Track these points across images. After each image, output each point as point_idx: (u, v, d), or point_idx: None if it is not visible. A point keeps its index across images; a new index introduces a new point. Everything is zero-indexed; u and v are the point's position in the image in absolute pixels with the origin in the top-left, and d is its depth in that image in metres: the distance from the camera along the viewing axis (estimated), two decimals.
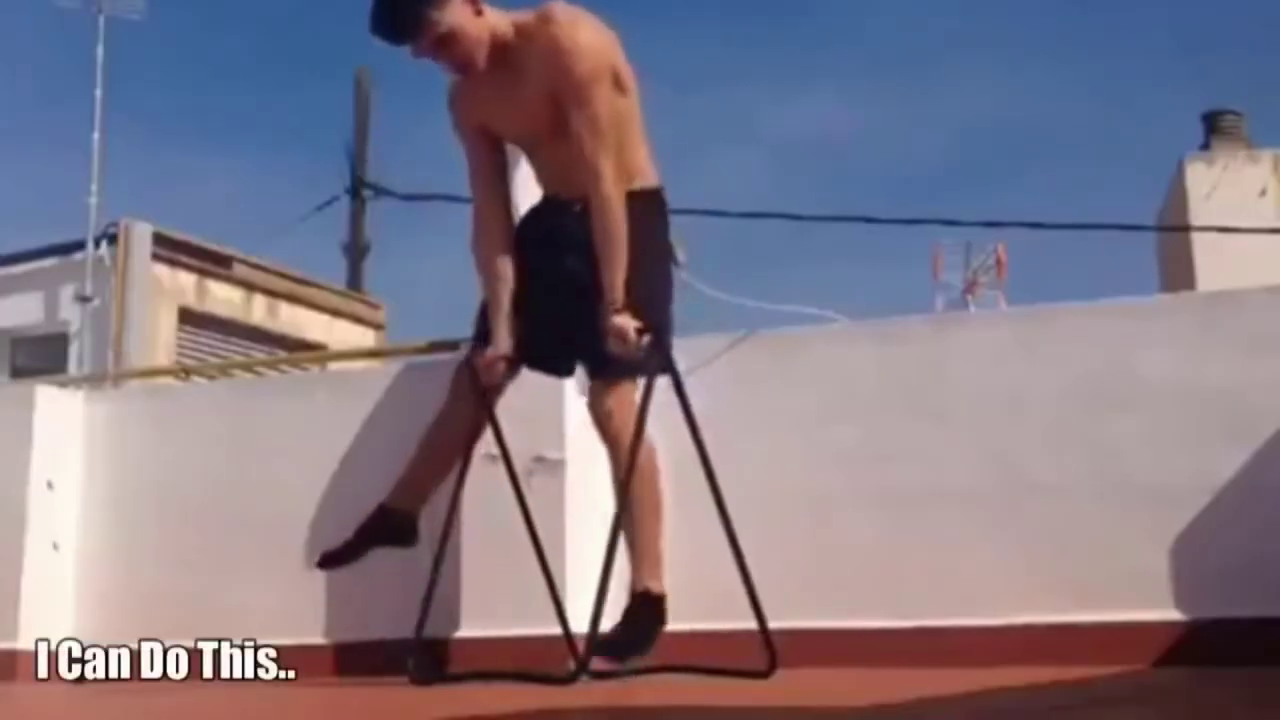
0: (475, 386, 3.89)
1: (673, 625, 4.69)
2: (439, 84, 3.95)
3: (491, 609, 4.78)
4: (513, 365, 3.83)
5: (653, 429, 3.70)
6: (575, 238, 3.70)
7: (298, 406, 5.66)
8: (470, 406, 3.88)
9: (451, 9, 3.60)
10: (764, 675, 3.60)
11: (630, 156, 3.76)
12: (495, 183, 3.89)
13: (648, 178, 3.84)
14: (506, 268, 3.80)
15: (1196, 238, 16.06)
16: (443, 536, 3.98)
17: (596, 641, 3.64)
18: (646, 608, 3.78)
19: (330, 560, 4.00)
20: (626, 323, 3.60)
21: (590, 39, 3.65)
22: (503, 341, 3.78)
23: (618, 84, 3.71)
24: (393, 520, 3.96)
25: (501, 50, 3.69)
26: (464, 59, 3.67)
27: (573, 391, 4.97)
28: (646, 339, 3.62)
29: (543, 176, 3.95)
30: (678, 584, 4.76)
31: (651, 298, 3.73)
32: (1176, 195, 17.54)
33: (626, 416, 3.71)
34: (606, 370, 3.76)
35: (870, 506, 4.67)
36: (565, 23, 3.64)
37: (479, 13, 3.65)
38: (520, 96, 3.73)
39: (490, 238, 3.82)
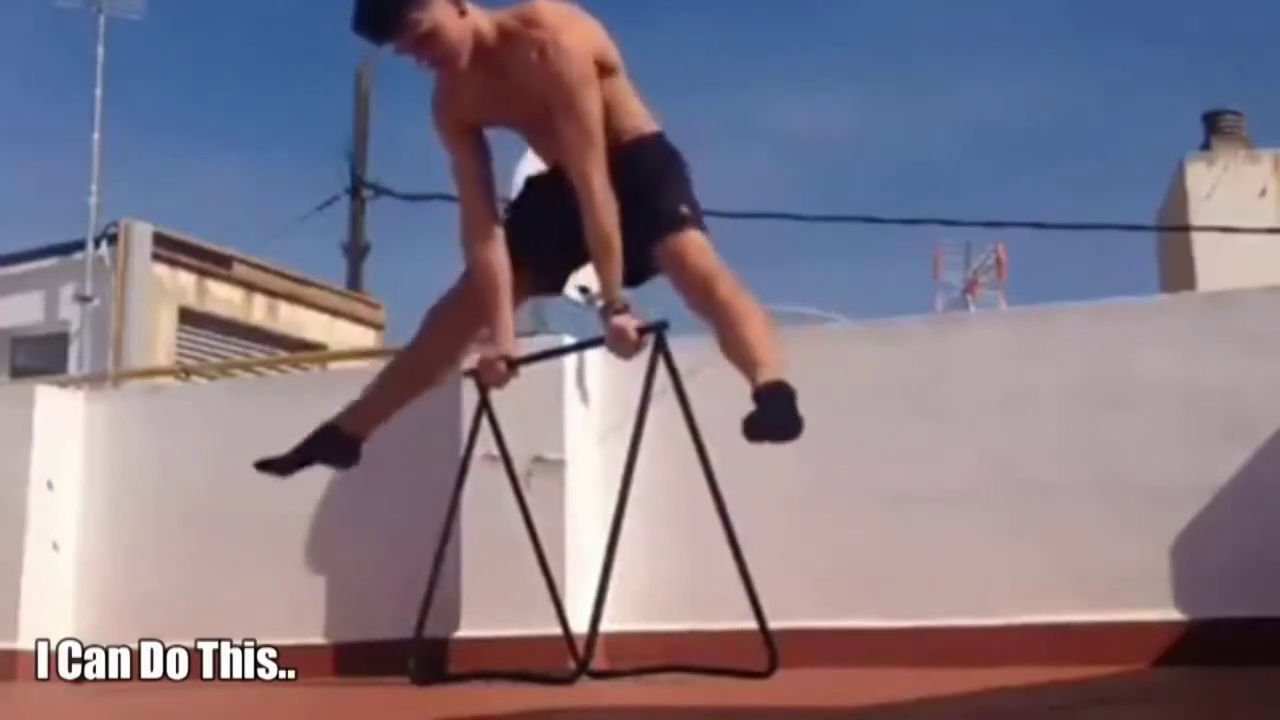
0: (477, 386, 3.92)
1: (673, 625, 4.72)
2: None
3: (491, 609, 4.78)
4: (513, 366, 3.83)
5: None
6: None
7: (298, 406, 5.64)
8: (434, 354, 3.95)
9: (434, 7, 3.59)
10: (764, 675, 3.60)
11: (629, 121, 3.80)
12: (481, 182, 3.88)
13: (650, 125, 3.88)
14: (502, 266, 3.79)
15: (1197, 238, 16.09)
16: (443, 536, 3.99)
17: (752, 427, 3.41)
18: (780, 393, 3.52)
19: (269, 466, 4.03)
20: (626, 322, 3.61)
21: (576, 41, 3.63)
22: (503, 342, 3.79)
23: (605, 70, 3.71)
24: (339, 441, 4.01)
25: (486, 50, 3.68)
26: (446, 56, 3.65)
27: (572, 392, 4.98)
28: (650, 338, 3.64)
29: (540, 154, 3.99)
30: (679, 584, 4.79)
31: (695, 206, 3.79)
32: (1176, 195, 17.57)
33: (704, 258, 3.68)
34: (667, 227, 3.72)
35: (870, 506, 4.67)
36: (551, 26, 3.62)
37: (463, 12, 3.64)
38: (507, 95, 3.73)
39: (482, 238, 3.81)
